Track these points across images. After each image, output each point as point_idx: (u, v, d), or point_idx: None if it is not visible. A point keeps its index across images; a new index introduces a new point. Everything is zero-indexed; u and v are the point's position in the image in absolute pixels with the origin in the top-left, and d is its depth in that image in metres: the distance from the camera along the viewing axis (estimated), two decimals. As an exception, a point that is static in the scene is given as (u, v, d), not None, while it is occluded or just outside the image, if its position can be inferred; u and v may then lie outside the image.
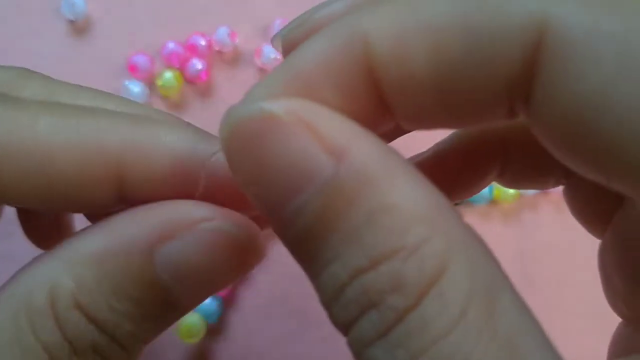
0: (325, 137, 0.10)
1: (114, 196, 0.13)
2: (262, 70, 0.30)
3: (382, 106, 0.12)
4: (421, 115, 0.12)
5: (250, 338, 0.28)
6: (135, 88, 0.28)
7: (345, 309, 0.10)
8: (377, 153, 0.10)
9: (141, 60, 0.29)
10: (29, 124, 0.13)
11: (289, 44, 0.13)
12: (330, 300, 0.11)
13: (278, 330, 0.28)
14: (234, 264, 0.13)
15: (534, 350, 0.10)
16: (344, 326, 0.10)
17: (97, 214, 0.15)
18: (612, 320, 0.32)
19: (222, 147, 0.11)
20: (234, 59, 0.30)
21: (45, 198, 0.13)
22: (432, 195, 0.10)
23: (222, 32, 0.29)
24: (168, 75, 0.29)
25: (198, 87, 0.30)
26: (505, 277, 0.10)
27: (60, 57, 0.29)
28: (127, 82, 0.29)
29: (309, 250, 0.11)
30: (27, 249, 0.26)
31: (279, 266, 0.28)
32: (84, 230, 0.13)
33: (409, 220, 0.10)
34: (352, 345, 0.10)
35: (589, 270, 0.31)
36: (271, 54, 0.29)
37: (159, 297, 0.13)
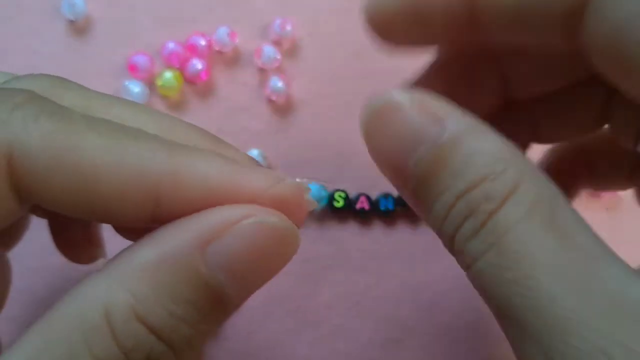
0: (432, 112, 0.15)
1: (150, 215, 0.14)
2: (262, 70, 0.30)
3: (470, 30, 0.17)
4: (505, 30, 0.17)
5: (248, 338, 0.28)
6: (135, 88, 0.29)
7: (452, 223, 0.14)
8: (467, 119, 0.15)
9: (141, 60, 0.29)
10: (78, 141, 0.14)
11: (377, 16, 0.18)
12: (441, 220, 0.15)
13: (276, 331, 0.28)
14: (276, 253, 0.15)
15: (586, 239, 0.14)
16: (450, 237, 0.15)
17: (131, 228, 0.17)
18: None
19: (362, 127, 0.16)
20: (233, 59, 0.30)
21: (85, 211, 0.14)
22: (505, 143, 0.15)
23: (222, 32, 0.29)
24: (168, 75, 0.29)
25: (198, 87, 0.30)
26: (560, 193, 0.14)
27: (60, 56, 0.29)
28: (127, 82, 0.29)
29: (425, 190, 0.15)
30: (32, 251, 0.26)
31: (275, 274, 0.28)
32: (127, 248, 0.14)
33: (493, 157, 0.14)
34: (456, 245, 0.14)
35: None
36: (271, 54, 0.29)
37: (213, 295, 0.14)
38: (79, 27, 0.30)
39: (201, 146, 0.16)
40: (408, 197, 0.16)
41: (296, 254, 0.15)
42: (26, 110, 0.14)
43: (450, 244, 0.15)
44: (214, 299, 0.14)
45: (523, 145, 0.22)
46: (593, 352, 0.12)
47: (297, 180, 0.15)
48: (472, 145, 0.14)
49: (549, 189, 0.14)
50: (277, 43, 0.30)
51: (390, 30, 0.18)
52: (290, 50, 0.30)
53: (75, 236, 0.21)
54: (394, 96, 0.15)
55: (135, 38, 0.30)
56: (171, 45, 0.29)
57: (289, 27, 0.30)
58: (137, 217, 0.14)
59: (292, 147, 0.30)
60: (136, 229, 0.15)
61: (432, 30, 0.18)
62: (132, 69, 0.29)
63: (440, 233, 0.15)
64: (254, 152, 0.29)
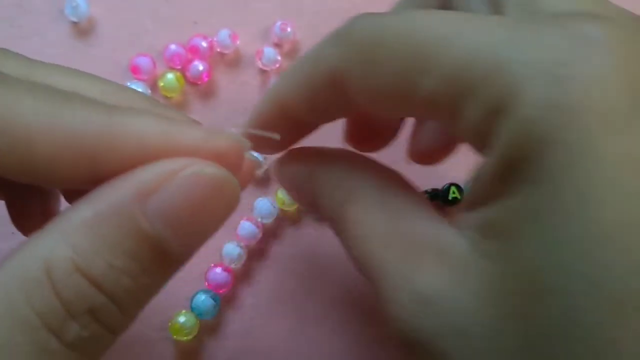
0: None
1: (88, 176, 0.14)
2: (263, 71, 0.30)
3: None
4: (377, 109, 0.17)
5: (248, 337, 0.28)
6: (138, 89, 0.29)
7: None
8: None
9: (143, 61, 0.29)
10: (13, 104, 0.13)
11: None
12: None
13: (276, 330, 0.28)
14: (216, 204, 0.15)
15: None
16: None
17: (74, 192, 0.17)
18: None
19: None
20: (235, 60, 0.30)
21: (23, 172, 0.14)
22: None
23: (224, 34, 0.30)
24: (170, 76, 0.29)
25: (199, 89, 0.30)
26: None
27: (63, 58, 0.30)
28: (129, 84, 0.29)
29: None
30: None
31: (278, 264, 0.29)
32: (67, 208, 0.14)
33: None
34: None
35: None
36: (272, 55, 0.30)
37: (155, 248, 0.14)
38: (82, 29, 0.30)
39: (142, 108, 0.16)
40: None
41: (236, 207, 0.15)
42: None
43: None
44: (156, 252, 0.14)
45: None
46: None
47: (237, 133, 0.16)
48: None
49: None
50: (277, 45, 0.30)
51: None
52: (291, 52, 0.31)
53: (33, 213, 0.21)
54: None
55: (138, 40, 0.30)
56: (173, 47, 0.29)
57: (289, 29, 0.30)
58: (75, 178, 0.14)
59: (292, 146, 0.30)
60: (82, 193, 0.15)
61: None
62: (135, 71, 0.29)
63: None
64: (255, 153, 0.29)
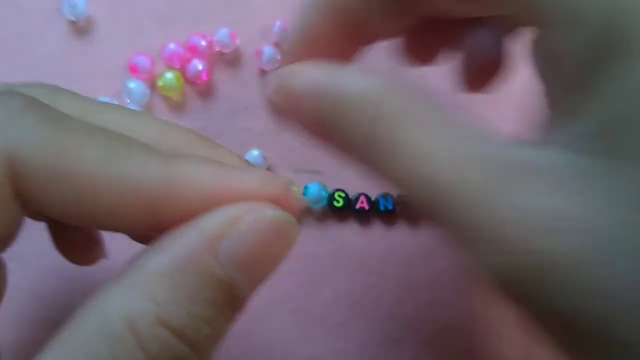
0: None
1: (148, 222, 0.15)
2: (262, 71, 0.30)
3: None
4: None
5: (249, 337, 0.28)
6: (137, 88, 0.29)
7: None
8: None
9: (142, 60, 0.29)
10: (76, 152, 0.14)
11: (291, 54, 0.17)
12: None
13: (276, 330, 0.28)
14: (279, 244, 0.15)
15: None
16: None
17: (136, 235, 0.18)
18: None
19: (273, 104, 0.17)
20: (234, 59, 0.30)
21: (83, 219, 0.15)
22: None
23: (223, 33, 0.29)
24: (169, 75, 0.29)
25: (199, 88, 0.30)
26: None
27: (61, 57, 0.29)
28: (128, 83, 0.29)
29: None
30: (33, 251, 0.26)
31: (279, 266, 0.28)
32: (138, 257, 0.15)
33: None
34: None
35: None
36: (272, 54, 0.30)
37: (227, 291, 0.14)
38: (80, 28, 0.30)
39: (194, 150, 0.17)
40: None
41: (296, 246, 0.16)
42: (27, 116, 0.14)
43: None
44: (228, 295, 0.15)
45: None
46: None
47: (289, 178, 0.16)
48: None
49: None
50: (277, 44, 0.30)
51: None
52: (291, 51, 0.31)
53: (75, 238, 0.21)
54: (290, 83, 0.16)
55: (137, 39, 0.30)
56: (172, 46, 0.29)
57: (289, 29, 0.30)
58: (135, 225, 0.15)
59: (293, 147, 0.30)
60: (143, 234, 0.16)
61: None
62: (133, 70, 0.29)
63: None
64: (255, 153, 0.29)
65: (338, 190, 0.29)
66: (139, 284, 0.14)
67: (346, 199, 0.29)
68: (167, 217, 0.15)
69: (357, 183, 0.30)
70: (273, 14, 0.31)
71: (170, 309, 0.13)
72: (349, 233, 0.29)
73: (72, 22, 0.30)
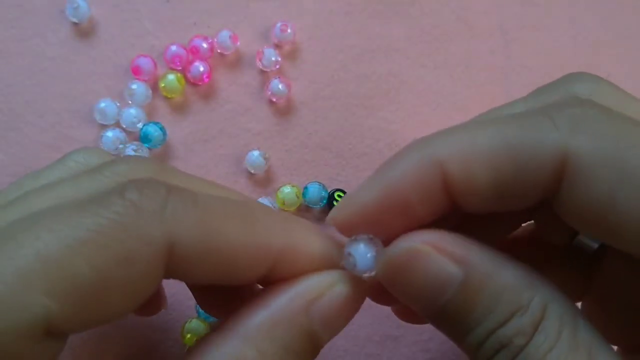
0: (452, 253, 0.17)
1: (262, 277, 0.18)
2: (263, 72, 0.30)
3: (451, 205, 0.17)
4: (481, 209, 0.17)
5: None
6: (139, 90, 0.29)
7: (484, 355, 0.16)
8: (485, 255, 0.17)
9: (144, 62, 0.29)
10: (219, 229, 0.16)
11: (340, 222, 0.18)
12: (474, 351, 0.17)
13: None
14: (356, 305, 0.18)
15: (606, 357, 0.16)
16: None
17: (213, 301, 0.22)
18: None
19: (383, 275, 0.17)
20: (235, 61, 0.31)
21: (218, 280, 0.17)
22: (523, 271, 0.17)
23: (224, 35, 0.30)
24: (171, 77, 0.29)
25: (200, 89, 0.30)
26: (578, 308, 0.17)
27: (64, 59, 0.30)
28: (130, 84, 0.29)
29: (455, 325, 0.17)
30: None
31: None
32: (244, 310, 0.17)
33: (518, 291, 0.16)
34: None
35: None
36: (272, 56, 0.30)
37: (313, 343, 0.18)
38: (83, 30, 0.30)
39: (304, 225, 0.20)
40: (439, 328, 0.18)
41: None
42: (176, 204, 0.16)
43: None
44: (312, 346, 0.18)
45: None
46: None
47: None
48: (497, 282, 0.16)
49: (570, 308, 0.16)
50: (278, 46, 0.31)
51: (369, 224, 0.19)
52: (291, 53, 0.31)
53: (216, 298, 0.23)
54: (413, 244, 0.17)
55: (139, 41, 0.30)
56: (174, 48, 0.30)
57: (289, 30, 0.30)
58: (251, 280, 0.18)
59: (293, 148, 0.30)
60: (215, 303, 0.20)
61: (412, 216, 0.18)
62: (136, 71, 0.29)
63: (472, 358, 0.17)
64: (255, 154, 0.29)
65: (337, 190, 0.29)
66: (246, 336, 0.17)
67: (346, 199, 0.29)
68: (281, 273, 0.18)
69: (356, 183, 0.30)
70: (273, 16, 0.31)
71: (269, 356, 0.16)
72: (348, 232, 0.30)
73: (75, 24, 0.30)
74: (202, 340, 0.17)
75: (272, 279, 0.18)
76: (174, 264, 0.16)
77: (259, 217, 0.17)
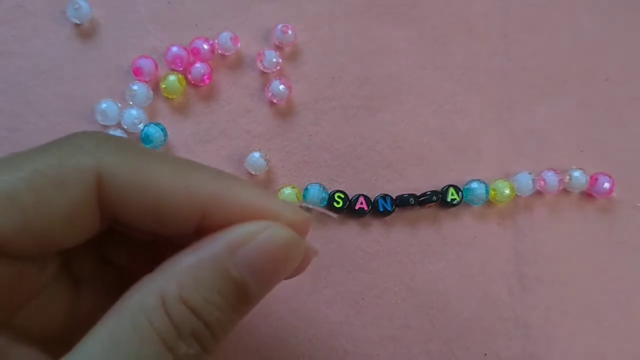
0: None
1: (195, 227, 0.19)
2: (263, 73, 0.30)
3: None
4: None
5: (249, 336, 0.28)
6: (140, 90, 0.29)
7: None
8: None
9: (145, 63, 0.29)
10: (150, 170, 0.18)
11: None
12: None
13: (276, 328, 0.28)
14: (286, 258, 0.19)
15: None
16: None
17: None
18: (608, 320, 0.32)
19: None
20: (236, 62, 0.31)
21: (147, 222, 0.18)
22: None
23: (225, 36, 0.30)
24: (172, 78, 0.29)
25: (201, 90, 0.30)
26: None
27: (65, 59, 0.30)
28: (131, 85, 0.29)
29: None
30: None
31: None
32: (174, 255, 0.18)
33: None
34: None
35: (583, 269, 0.32)
36: (273, 58, 0.30)
37: (239, 289, 0.18)
38: (85, 31, 0.30)
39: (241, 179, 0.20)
40: None
41: (300, 261, 0.19)
42: (109, 143, 0.18)
43: None
44: (239, 292, 0.18)
45: None
46: None
47: (309, 206, 0.20)
48: None
49: None
50: (278, 47, 0.31)
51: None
52: (292, 54, 0.31)
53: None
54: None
55: (140, 42, 0.30)
56: (175, 49, 0.30)
57: (290, 32, 0.30)
58: (185, 228, 0.19)
59: (293, 149, 0.30)
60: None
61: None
62: (137, 72, 0.29)
63: None
64: (256, 155, 0.29)
65: (338, 191, 0.29)
66: (171, 272, 0.17)
67: (346, 200, 0.29)
68: (213, 224, 0.18)
69: (356, 184, 0.30)
70: (274, 18, 0.31)
71: (190, 292, 0.17)
72: (348, 233, 0.30)
73: (76, 25, 0.30)
74: (137, 282, 0.18)
75: (206, 232, 0.18)
76: (104, 197, 0.18)
77: (193, 167, 0.19)
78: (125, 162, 0.18)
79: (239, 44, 0.30)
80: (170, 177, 0.18)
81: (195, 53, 0.30)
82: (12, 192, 0.17)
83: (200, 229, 0.19)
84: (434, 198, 0.30)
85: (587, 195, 0.32)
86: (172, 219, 0.18)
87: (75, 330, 0.20)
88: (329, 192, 0.29)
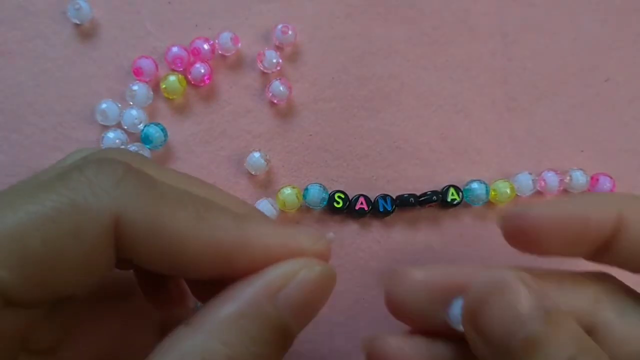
0: (538, 293, 0.17)
1: (221, 272, 0.18)
2: (264, 74, 0.30)
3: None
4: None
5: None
6: (140, 91, 0.29)
7: None
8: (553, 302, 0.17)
9: (145, 63, 0.29)
10: (171, 215, 0.17)
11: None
12: None
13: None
14: (324, 291, 0.18)
15: None
16: None
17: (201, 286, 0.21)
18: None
19: (467, 306, 0.18)
20: (236, 63, 0.31)
21: (170, 269, 0.17)
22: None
23: (225, 37, 0.30)
24: (172, 78, 0.29)
25: (201, 91, 0.30)
26: None
27: (66, 60, 0.30)
28: (131, 85, 0.29)
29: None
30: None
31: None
32: (209, 304, 0.17)
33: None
34: None
35: (583, 269, 0.32)
36: (273, 58, 0.30)
37: (282, 332, 0.17)
38: (85, 31, 0.30)
39: (244, 210, 0.20)
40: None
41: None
42: (128, 181, 0.17)
43: None
44: (283, 336, 0.18)
45: None
46: None
47: (331, 234, 0.20)
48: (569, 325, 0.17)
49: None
50: (279, 48, 0.31)
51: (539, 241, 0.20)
52: (292, 54, 0.31)
53: (162, 291, 0.23)
54: (506, 277, 0.17)
55: (140, 42, 0.30)
56: (175, 49, 0.30)
57: (290, 32, 0.30)
58: (211, 275, 0.18)
59: (294, 149, 0.30)
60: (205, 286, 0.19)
61: (576, 246, 0.20)
62: (137, 73, 0.29)
63: None
64: (256, 155, 0.29)
65: (338, 191, 0.29)
66: (211, 329, 0.17)
67: (346, 200, 0.29)
68: (238, 268, 0.18)
69: (356, 185, 0.30)
70: (274, 18, 0.31)
71: (236, 350, 0.16)
72: (348, 233, 0.30)
73: (76, 25, 0.30)
74: (172, 334, 0.17)
75: (235, 275, 0.18)
76: (122, 243, 0.17)
77: (213, 213, 0.18)
78: (145, 205, 0.17)
79: (239, 44, 0.30)
80: (193, 224, 0.17)
81: (196, 53, 0.30)
82: (19, 237, 0.15)
83: (222, 272, 0.18)
84: (434, 198, 0.30)
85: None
86: (194, 266, 0.17)
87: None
88: (329, 192, 0.29)
